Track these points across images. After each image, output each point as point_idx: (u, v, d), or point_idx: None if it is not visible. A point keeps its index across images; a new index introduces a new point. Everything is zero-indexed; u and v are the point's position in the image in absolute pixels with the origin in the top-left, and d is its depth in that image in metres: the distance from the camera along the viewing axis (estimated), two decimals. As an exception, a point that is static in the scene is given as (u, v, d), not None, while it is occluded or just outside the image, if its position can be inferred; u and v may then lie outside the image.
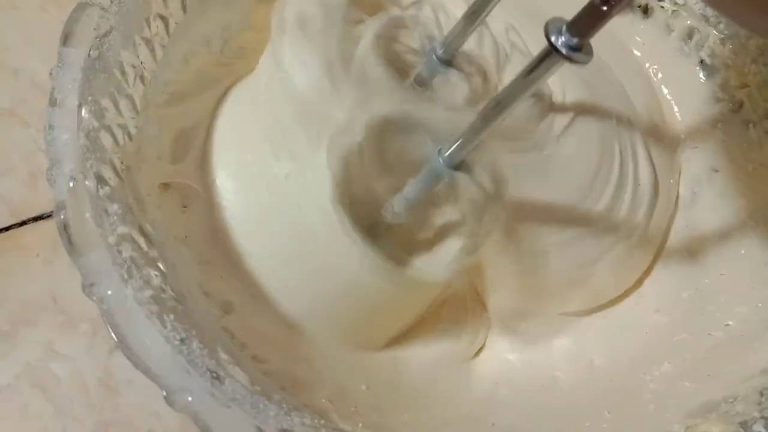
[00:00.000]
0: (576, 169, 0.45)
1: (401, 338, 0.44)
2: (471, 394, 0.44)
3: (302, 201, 0.39)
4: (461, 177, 0.37)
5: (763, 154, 0.46)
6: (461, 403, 0.43)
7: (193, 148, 0.43)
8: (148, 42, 0.38)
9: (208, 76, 0.44)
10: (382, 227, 0.39)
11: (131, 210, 0.34)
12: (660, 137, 0.50)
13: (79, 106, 0.33)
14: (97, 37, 0.35)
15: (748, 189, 0.46)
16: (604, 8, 0.26)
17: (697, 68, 0.52)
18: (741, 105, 0.49)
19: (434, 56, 0.42)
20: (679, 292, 0.45)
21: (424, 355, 0.44)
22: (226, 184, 0.42)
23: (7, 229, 0.48)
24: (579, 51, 0.28)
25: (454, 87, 0.42)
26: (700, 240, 0.47)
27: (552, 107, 0.45)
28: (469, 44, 0.43)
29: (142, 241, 0.33)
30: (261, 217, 0.41)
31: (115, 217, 0.32)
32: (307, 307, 0.40)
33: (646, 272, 0.47)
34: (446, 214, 0.39)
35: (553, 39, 0.28)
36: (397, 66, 0.42)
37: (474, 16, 0.38)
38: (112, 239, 0.31)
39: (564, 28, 0.27)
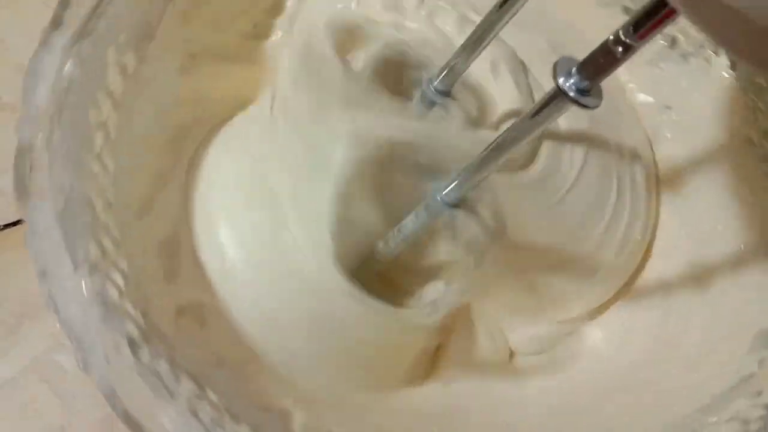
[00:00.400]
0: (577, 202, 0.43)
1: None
2: None
3: (297, 246, 0.37)
4: (460, 215, 0.36)
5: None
6: None
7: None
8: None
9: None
10: (374, 266, 0.38)
11: None
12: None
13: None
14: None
15: None
16: (620, 50, 0.24)
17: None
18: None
19: (431, 86, 0.40)
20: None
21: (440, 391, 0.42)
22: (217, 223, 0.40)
23: (11, 225, 0.47)
24: (588, 94, 0.26)
25: (451, 118, 0.40)
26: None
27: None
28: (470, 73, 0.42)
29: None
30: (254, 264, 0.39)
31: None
32: (296, 358, 0.39)
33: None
34: (442, 253, 0.38)
35: (561, 81, 0.26)
36: (393, 91, 0.41)
37: (474, 45, 0.37)
38: None
39: (574, 69, 0.26)
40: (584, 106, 0.26)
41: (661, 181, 0.47)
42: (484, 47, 0.37)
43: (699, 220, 0.45)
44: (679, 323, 0.42)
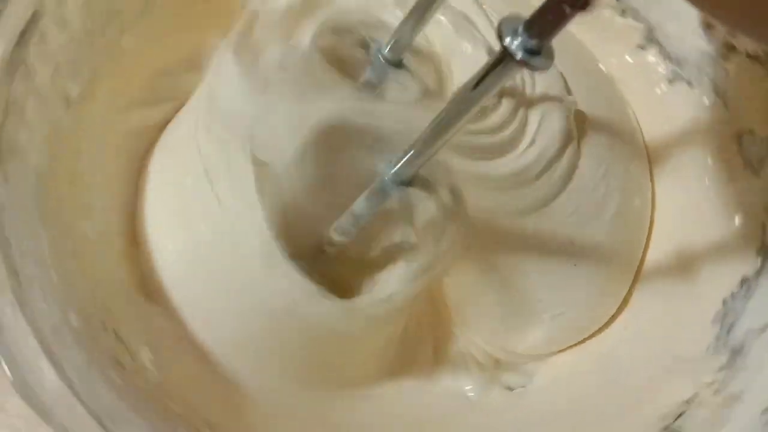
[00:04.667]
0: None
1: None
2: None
3: (233, 232, 0.35)
4: (414, 193, 0.33)
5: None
6: None
7: None
8: None
9: None
10: (325, 253, 0.36)
11: None
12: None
13: None
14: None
15: None
16: (567, 10, 0.22)
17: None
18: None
19: (380, 57, 0.38)
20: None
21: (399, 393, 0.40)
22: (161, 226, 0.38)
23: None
24: (538, 55, 0.24)
25: (405, 89, 0.38)
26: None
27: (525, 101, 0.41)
28: (420, 38, 0.39)
29: None
30: (191, 252, 0.37)
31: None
32: (241, 350, 0.36)
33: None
34: (397, 235, 0.35)
35: (507, 41, 0.24)
36: (343, 66, 0.38)
37: (423, 9, 0.34)
38: None
39: (520, 28, 0.24)
40: (533, 68, 0.24)
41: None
42: (433, 12, 0.34)
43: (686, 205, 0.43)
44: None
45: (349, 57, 0.39)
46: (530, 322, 0.42)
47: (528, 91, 0.41)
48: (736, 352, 0.37)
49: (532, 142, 0.41)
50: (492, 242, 0.39)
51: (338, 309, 0.34)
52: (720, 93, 0.43)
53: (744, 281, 0.39)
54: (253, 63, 0.35)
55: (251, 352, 0.36)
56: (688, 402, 0.36)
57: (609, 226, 0.43)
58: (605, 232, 0.42)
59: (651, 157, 0.46)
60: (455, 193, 0.35)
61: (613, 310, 0.43)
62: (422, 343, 0.42)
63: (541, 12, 0.23)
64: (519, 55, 0.24)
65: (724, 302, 0.39)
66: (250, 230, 0.34)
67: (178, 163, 0.38)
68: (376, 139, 0.34)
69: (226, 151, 0.35)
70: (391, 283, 0.35)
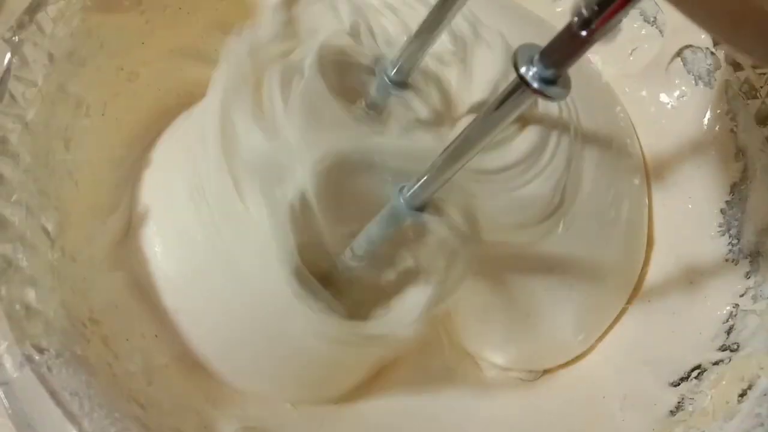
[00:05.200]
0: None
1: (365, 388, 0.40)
2: None
3: (239, 256, 0.35)
4: (427, 219, 0.33)
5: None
6: None
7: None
8: None
9: None
10: (336, 279, 0.35)
11: None
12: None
13: None
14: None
15: None
16: (583, 34, 0.21)
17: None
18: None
19: (385, 77, 0.37)
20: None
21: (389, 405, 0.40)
22: (154, 238, 0.37)
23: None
24: (554, 84, 0.23)
25: (410, 110, 0.37)
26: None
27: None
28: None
29: None
30: (192, 273, 0.37)
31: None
32: (247, 371, 0.36)
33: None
34: (410, 259, 0.35)
35: (522, 70, 0.23)
36: (347, 87, 0.38)
37: (428, 31, 0.34)
38: None
39: (536, 57, 0.23)
40: (549, 98, 0.23)
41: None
42: (439, 33, 0.34)
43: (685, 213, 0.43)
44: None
45: (353, 77, 0.39)
46: (531, 338, 0.41)
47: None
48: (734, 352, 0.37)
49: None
50: (501, 262, 0.39)
51: (349, 335, 0.34)
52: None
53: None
54: (257, 91, 0.35)
55: (259, 371, 0.37)
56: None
57: (611, 243, 0.42)
58: (607, 248, 0.42)
59: (649, 172, 0.46)
60: (468, 217, 0.34)
61: (606, 326, 0.43)
62: (428, 357, 0.42)
63: (557, 40, 0.22)
64: (535, 85, 0.23)
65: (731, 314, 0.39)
66: (266, 269, 0.34)
67: (173, 186, 0.38)
68: (382, 170, 0.34)
69: (236, 185, 0.34)
70: (407, 309, 0.35)
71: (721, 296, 0.39)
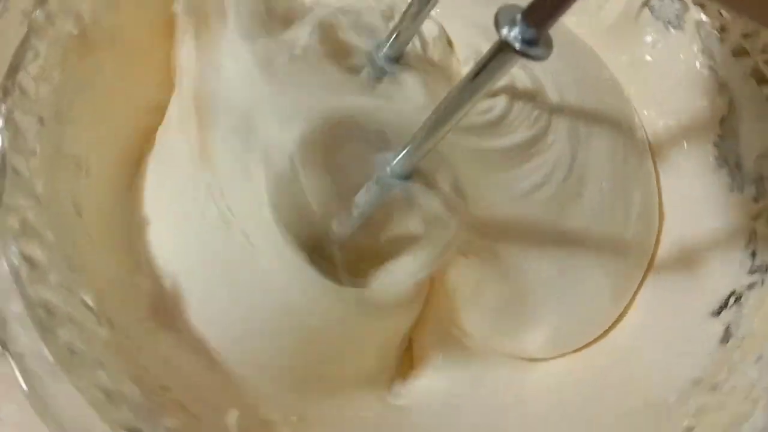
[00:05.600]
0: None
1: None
2: None
3: (234, 216, 0.34)
4: (414, 187, 0.33)
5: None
6: None
7: None
8: None
9: None
10: (329, 246, 0.35)
11: None
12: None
13: None
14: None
15: None
16: (565, -7, 0.21)
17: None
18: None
19: (380, 54, 0.37)
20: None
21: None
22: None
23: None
24: (536, 45, 0.23)
25: (405, 88, 0.37)
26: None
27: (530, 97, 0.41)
28: (423, 36, 0.39)
29: None
30: (185, 237, 0.36)
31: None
32: (252, 353, 0.36)
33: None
34: (401, 226, 0.35)
35: (504, 32, 0.23)
36: (342, 63, 0.38)
37: (420, 4, 0.33)
38: None
39: (518, 17, 0.23)
40: (532, 58, 0.23)
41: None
42: (432, 5, 0.33)
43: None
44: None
45: (348, 51, 0.38)
46: (533, 322, 0.40)
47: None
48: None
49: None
50: (497, 235, 0.39)
51: (347, 297, 0.34)
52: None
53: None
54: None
55: (256, 347, 0.35)
56: None
57: (622, 222, 0.42)
58: (618, 227, 0.41)
59: (653, 153, 0.46)
60: (456, 187, 0.34)
61: (621, 309, 0.42)
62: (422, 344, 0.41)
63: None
64: (517, 46, 0.23)
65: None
66: (259, 227, 0.33)
67: (175, 170, 0.37)
68: (378, 135, 0.34)
69: (228, 128, 0.34)
70: (398, 273, 0.35)
71: (736, 223, 0.39)
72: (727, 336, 0.36)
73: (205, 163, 0.35)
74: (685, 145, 0.43)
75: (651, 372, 0.38)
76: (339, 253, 0.35)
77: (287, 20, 0.37)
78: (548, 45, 0.23)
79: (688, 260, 0.41)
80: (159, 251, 0.36)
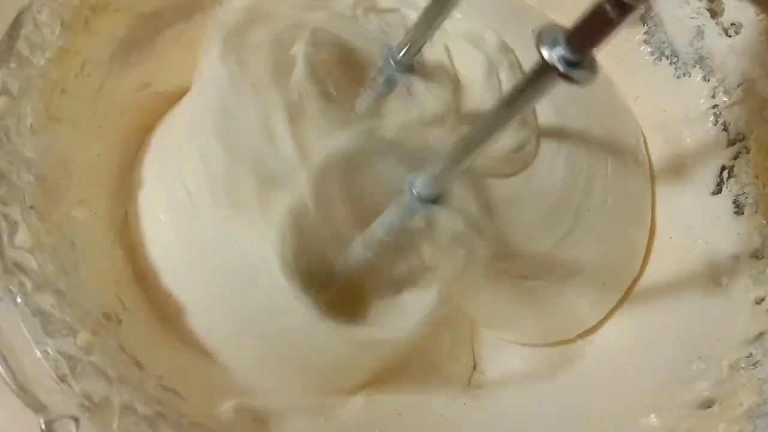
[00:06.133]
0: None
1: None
2: None
3: (245, 249, 0.34)
4: (440, 211, 0.31)
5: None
6: None
7: None
8: None
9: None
10: (343, 275, 0.34)
11: None
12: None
13: None
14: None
15: None
16: (615, 12, 0.20)
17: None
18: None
19: (392, 61, 0.36)
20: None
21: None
22: (155, 223, 0.37)
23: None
24: (579, 67, 0.22)
25: (414, 96, 0.36)
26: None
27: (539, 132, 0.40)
28: (438, 47, 0.39)
29: None
30: (198, 266, 0.36)
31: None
32: (251, 366, 0.36)
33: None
34: (416, 259, 0.34)
35: (546, 53, 0.22)
36: (348, 73, 0.37)
37: (437, 9, 0.32)
38: None
39: (561, 38, 0.22)
40: (575, 82, 0.22)
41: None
42: (447, 13, 0.32)
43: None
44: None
45: (354, 62, 0.38)
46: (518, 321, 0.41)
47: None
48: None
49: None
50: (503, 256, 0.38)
51: (348, 338, 0.33)
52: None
53: None
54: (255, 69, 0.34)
55: (260, 366, 0.36)
56: None
57: (607, 249, 0.42)
58: (602, 253, 0.42)
59: (655, 174, 0.46)
60: (485, 210, 0.33)
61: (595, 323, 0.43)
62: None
63: (585, 21, 0.21)
64: (560, 68, 0.22)
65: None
66: (262, 264, 0.33)
67: (173, 180, 0.37)
68: (387, 164, 0.33)
69: (232, 176, 0.34)
70: (407, 314, 0.34)
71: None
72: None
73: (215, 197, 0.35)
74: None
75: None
76: (346, 287, 0.35)
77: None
78: (592, 68, 0.22)
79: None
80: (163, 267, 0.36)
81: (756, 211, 0.41)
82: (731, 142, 0.43)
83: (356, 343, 0.34)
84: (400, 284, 0.35)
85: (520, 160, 0.39)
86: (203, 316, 0.35)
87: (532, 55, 0.22)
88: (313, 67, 0.35)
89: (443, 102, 0.36)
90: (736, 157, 0.43)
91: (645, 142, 0.46)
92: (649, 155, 0.46)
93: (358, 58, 0.37)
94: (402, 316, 0.34)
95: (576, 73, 0.22)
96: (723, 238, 0.41)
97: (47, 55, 0.34)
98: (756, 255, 0.40)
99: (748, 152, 0.42)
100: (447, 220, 0.32)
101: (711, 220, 0.42)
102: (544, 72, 0.22)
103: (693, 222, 0.43)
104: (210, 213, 0.34)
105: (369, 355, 0.36)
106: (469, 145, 0.27)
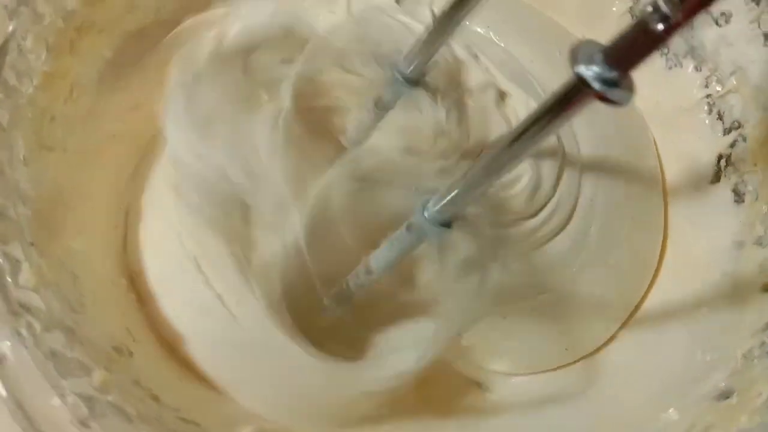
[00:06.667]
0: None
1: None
2: None
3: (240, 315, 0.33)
4: (452, 236, 0.30)
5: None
6: None
7: None
8: None
9: None
10: (343, 303, 0.34)
11: None
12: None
13: None
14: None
15: None
16: (660, 28, 0.19)
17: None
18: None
19: (398, 74, 0.35)
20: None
21: None
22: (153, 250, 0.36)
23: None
24: (616, 87, 0.21)
25: (421, 111, 0.35)
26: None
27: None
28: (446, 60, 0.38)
29: None
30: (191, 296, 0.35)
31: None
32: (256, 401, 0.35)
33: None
34: (423, 288, 0.33)
35: (582, 70, 0.21)
36: (347, 88, 0.36)
37: (444, 23, 0.31)
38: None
39: (599, 56, 0.20)
40: (612, 102, 0.21)
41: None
42: (453, 29, 0.32)
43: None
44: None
45: (358, 79, 0.37)
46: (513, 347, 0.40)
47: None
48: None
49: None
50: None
51: (342, 377, 0.33)
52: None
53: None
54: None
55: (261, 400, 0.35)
56: None
57: (612, 274, 0.42)
58: (606, 279, 0.41)
59: (669, 194, 0.45)
60: (498, 233, 0.32)
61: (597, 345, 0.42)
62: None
63: (626, 37, 0.20)
64: (596, 87, 0.21)
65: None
66: (248, 310, 0.33)
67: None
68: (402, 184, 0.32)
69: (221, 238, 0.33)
70: (409, 349, 0.33)
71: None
72: None
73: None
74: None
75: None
76: (350, 312, 0.34)
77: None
78: (630, 88, 0.21)
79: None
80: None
81: (757, 199, 0.41)
82: (727, 131, 0.42)
83: (356, 382, 0.33)
84: (403, 315, 0.34)
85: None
86: (200, 347, 0.35)
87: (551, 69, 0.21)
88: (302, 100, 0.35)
89: (450, 118, 0.35)
90: (732, 146, 0.42)
91: (660, 165, 0.46)
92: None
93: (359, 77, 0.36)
94: (406, 349, 0.33)
95: (614, 94, 0.21)
96: (726, 228, 0.41)
97: (34, 81, 0.32)
98: (760, 242, 0.39)
99: (744, 140, 0.42)
100: (460, 244, 0.30)
101: (712, 210, 0.42)
102: (578, 91, 0.21)
103: (694, 214, 0.43)
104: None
105: (371, 392, 0.35)
106: (491, 166, 0.25)
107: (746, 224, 0.40)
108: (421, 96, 0.36)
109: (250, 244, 0.33)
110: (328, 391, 0.33)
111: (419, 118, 0.35)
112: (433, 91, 0.36)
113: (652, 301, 0.43)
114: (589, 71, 0.21)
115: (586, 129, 0.42)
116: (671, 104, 0.45)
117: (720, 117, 0.43)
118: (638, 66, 0.20)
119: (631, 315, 0.42)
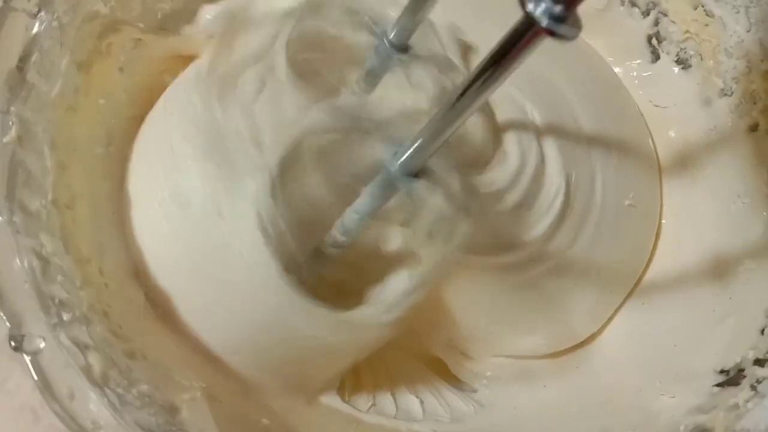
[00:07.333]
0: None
1: None
2: None
3: (227, 238, 0.33)
4: (423, 186, 0.30)
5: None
6: None
7: None
8: None
9: None
10: (326, 257, 0.33)
11: None
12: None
13: None
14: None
15: None
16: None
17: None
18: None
19: (385, 41, 0.35)
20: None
21: None
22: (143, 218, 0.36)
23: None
24: (563, 22, 0.21)
25: (410, 77, 0.35)
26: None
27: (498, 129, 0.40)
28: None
29: None
30: (184, 257, 0.34)
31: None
32: (238, 353, 0.35)
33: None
34: (398, 236, 0.33)
35: (530, 7, 0.21)
36: (337, 58, 0.36)
37: None
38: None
39: (546, -7, 0.21)
40: (560, 37, 0.21)
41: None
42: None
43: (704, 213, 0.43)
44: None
45: (348, 45, 0.37)
46: (526, 329, 0.40)
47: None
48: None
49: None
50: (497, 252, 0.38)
51: (332, 321, 0.32)
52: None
53: None
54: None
55: (244, 356, 0.35)
56: None
57: (614, 246, 0.42)
58: (608, 250, 0.42)
59: (663, 168, 0.45)
60: (466, 184, 0.32)
61: (599, 326, 0.43)
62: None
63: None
64: (544, 23, 0.21)
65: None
66: (244, 244, 0.32)
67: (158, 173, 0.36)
68: (379, 132, 0.32)
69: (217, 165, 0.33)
70: (391, 293, 0.33)
71: None
72: None
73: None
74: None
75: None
76: (335, 265, 0.34)
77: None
78: (577, 24, 0.21)
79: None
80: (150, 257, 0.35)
81: (702, 59, 0.43)
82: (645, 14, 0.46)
83: (332, 326, 0.33)
84: (385, 265, 0.34)
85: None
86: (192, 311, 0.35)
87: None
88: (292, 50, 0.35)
89: (441, 84, 0.36)
90: (656, 24, 0.45)
91: (652, 138, 0.46)
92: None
93: (344, 44, 0.36)
94: (379, 302, 0.34)
95: (561, 29, 0.21)
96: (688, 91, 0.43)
97: None
98: (724, 93, 0.41)
99: (666, 15, 0.45)
100: (429, 194, 0.31)
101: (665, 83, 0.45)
102: (527, 28, 0.22)
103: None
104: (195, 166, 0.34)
105: (347, 339, 0.35)
106: (451, 113, 0.26)
107: (703, 84, 0.42)
108: (410, 62, 0.36)
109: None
110: (304, 332, 0.33)
111: (410, 82, 0.36)
112: (420, 57, 0.36)
113: (644, 294, 0.43)
114: (538, 8, 0.21)
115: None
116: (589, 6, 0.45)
117: (634, 4, 0.46)
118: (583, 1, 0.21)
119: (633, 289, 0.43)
